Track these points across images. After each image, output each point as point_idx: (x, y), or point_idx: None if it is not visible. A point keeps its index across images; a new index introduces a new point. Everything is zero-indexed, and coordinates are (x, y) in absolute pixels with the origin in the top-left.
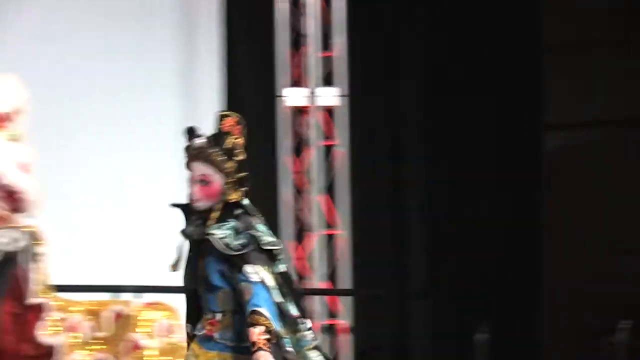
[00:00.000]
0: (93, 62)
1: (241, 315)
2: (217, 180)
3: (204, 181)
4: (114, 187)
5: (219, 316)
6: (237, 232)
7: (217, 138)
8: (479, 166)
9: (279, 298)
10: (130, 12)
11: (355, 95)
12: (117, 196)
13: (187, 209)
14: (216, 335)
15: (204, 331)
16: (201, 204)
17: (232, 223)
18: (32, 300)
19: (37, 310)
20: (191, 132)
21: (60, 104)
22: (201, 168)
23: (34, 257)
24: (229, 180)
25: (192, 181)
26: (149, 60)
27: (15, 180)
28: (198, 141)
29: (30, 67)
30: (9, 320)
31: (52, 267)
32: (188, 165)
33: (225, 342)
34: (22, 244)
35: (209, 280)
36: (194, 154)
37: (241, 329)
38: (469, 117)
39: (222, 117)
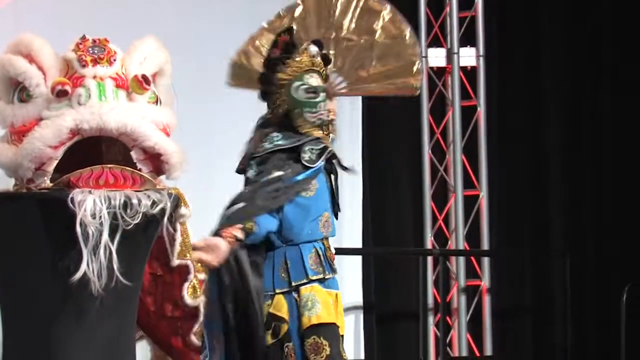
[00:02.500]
0: None
1: None
2: None
3: None
4: None
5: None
6: None
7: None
8: (620, 125)
9: None
10: None
11: (493, 56)
12: None
13: None
14: None
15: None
16: None
17: None
18: (175, 262)
19: (181, 272)
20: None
21: (195, 69)
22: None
23: (177, 219)
24: None
25: (314, 91)
26: None
27: (158, 142)
28: (315, 50)
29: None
30: (152, 281)
31: (194, 229)
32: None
33: None
34: (164, 206)
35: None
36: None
37: None
38: (611, 75)
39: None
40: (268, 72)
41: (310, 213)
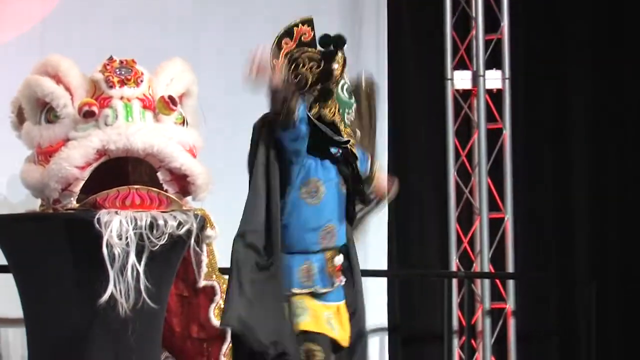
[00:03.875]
0: None
1: None
2: None
3: None
4: None
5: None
6: None
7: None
8: None
9: None
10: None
11: (519, 79)
12: None
13: None
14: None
15: (337, 281)
16: None
17: None
18: (202, 283)
19: (207, 293)
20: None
21: (225, 92)
22: None
23: (203, 240)
24: None
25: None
26: None
27: (184, 163)
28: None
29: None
30: (178, 302)
31: (220, 250)
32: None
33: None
34: (190, 227)
35: None
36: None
37: None
38: (637, 102)
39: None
40: (325, 65)
41: (309, 223)
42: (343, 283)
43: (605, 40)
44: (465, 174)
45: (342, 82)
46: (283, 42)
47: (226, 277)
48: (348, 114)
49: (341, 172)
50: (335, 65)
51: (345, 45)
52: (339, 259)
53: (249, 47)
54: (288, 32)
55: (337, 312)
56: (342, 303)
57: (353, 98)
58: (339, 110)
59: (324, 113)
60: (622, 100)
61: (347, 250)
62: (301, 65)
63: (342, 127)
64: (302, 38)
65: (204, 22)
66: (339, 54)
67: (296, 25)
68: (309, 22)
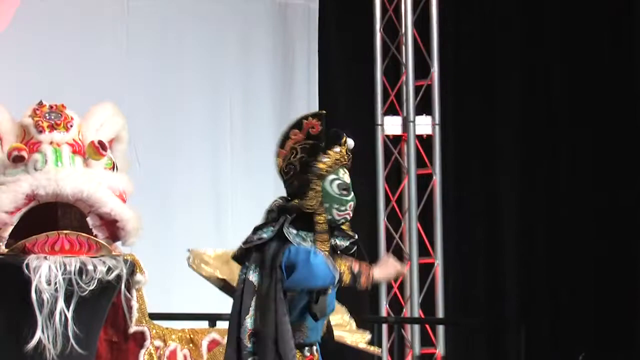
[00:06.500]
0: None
1: None
2: None
3: None
4: (212, 212)
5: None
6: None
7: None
8: (578, 192)
9: None
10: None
11: (448, 124)
12: (215, 220)
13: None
14: None
15: None
16: None
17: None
18: (131, 329)
19: (137, 338)
20: (340, 137)
21: (159, 127)
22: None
23: (133, 285)
24: None
25: (347, 188)
26: (247, 91)
27: (114, 208)
28: (352, 143)
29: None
30: (107, 348)
31: (149, 295)
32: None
33: None
34: (120, 272)
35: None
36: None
37: None
38: (564, 144)
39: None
40: (308, 158)
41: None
42: None
43: (533, 86)
44: (396, 219)
45: (334, 177)
46: (291, 133)
47: (156, 322)
48: (340, 211)
49: None
50: (331, 151)
51: (352, 143)
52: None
53: (183, 93)
54: (298, 124)
55: None
56: None
57: (350, 195)
58: (322, 204)
59: (303, 204)
60: (555, 145)
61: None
62: (294, 154)
63: (321, 219)
64: (310, 131)
65: (136, 68)
66: (340, 146)
67: (305, 118)
68: (319, 117)
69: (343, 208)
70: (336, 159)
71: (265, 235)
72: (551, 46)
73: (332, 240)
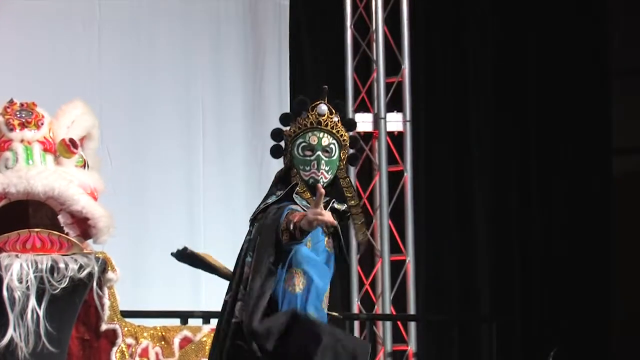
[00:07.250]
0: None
1: None
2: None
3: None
4: (184, 212)
5: None
6: None
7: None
8: (548, 192)
9: None
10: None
11: (419, 121)
12: (188, 220)
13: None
14: None
15: None
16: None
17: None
18: (103, 326)
19: (108, 336)
20: (305, 103)
21: (131, 128)
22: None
23: (104, 283)
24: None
25: (311, 149)
26: (219, 90)
27: (85, 206)
28: (324, 108)
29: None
30: (79, 346)
31: (121, 293)
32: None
33: None
34: (92, 270)
35: None
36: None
37: None
38: (537, 144)
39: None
40: (279, 129)
41: None
42: None
43: (507, 83)
44: (367, 216)
45: (300, 140)
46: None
47: (128, 320)
48: (305, 171)
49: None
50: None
51: (325, 109)
52: None
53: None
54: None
55: None
56: None
57: (314, 155)
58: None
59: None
60: (526, 143)
61: None
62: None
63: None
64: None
65: (108, 68)
66: (307, 112)
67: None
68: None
69: (308, 168)
70: (300, 125)
71: (269, 200)
72: (524, 42)
73: (330, 204)
